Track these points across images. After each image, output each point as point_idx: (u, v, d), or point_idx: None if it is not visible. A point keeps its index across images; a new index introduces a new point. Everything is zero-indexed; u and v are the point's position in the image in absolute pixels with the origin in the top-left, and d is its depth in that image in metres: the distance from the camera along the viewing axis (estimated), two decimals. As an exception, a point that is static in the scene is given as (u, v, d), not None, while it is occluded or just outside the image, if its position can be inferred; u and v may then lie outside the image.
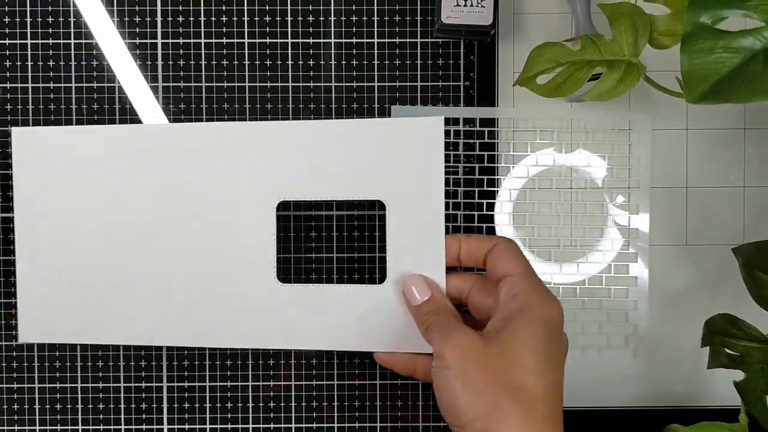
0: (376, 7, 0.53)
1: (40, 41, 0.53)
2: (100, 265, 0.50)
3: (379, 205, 0.50)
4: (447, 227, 0.53)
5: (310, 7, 0.53)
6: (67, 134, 0.51)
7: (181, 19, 0.53)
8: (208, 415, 0.53)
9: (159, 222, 0.50)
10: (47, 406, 0.53)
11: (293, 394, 0.54)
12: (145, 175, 0.50)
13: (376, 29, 0.53)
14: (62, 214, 0.50)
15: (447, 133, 0.53)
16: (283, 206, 0.51)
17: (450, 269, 0.49)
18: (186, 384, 0.53)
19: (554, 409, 0.41)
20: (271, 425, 0.54)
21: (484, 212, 0.53)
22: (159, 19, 0.53)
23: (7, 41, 0.53)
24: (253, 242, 0.50)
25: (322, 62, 0.53)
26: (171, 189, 0.50)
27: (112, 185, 0.50)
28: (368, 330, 0.49)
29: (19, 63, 0.53)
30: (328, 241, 0.53)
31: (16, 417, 0.53)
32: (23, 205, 0.51)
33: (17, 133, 0.50)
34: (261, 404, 0.53)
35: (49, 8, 0.53)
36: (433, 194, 0.48)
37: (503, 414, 0.40)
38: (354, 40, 0.53)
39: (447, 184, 0.53)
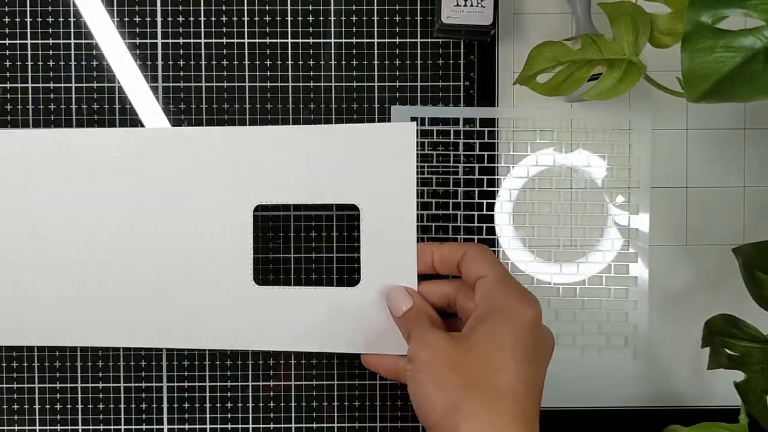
0: (376, 7, 0.53)
1: (40, 41, 0.53)
2: (76, 269, 0.50)
3: (354, 209, 0.50)
4: (447, 228, 0.53)
5: (310, 7, 0.53)
6: (29, 137, 0.50)
7: (181, 19, 0.53)
8: (208, 415, 0.53)
9: (137, 225, 0.50)
10: (47, 406, 0.53)
11: (293, 394, 0.53)
12: (120, 179, 0.50)
13: (376, 29, 0.53)
14: (26, 216, 0.50)
15: (447, 133, 0.53)
16: (259, 209, 0.51)
17: (437, 277, 0.49)
18: (186, 384, 0.53)
19: (527, 407, 0.41)
20: (271, 425, 0.53)
21: (484, 212, 0.53)
22: (159, 19, 0.53)
23: (7, 41, 0.53)
24: (230, 245, 0.50)
25: (322, 62, 0.53)
26: (148, 192, 0.50)
27: (86, 189, 0.50)
28: (345, 331, 0.50)
29: (19, 63, 0.53)
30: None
31: (16, 417, 0.53)
32: None
33: None
34: (261, 404, 0.53)
35: (49, 8, 0.53)
36: (405, 198, 0.49)
37: (470, 413, 0.40)
38: (354, 40, 0.53)
39: (447, 184, 0.53)
